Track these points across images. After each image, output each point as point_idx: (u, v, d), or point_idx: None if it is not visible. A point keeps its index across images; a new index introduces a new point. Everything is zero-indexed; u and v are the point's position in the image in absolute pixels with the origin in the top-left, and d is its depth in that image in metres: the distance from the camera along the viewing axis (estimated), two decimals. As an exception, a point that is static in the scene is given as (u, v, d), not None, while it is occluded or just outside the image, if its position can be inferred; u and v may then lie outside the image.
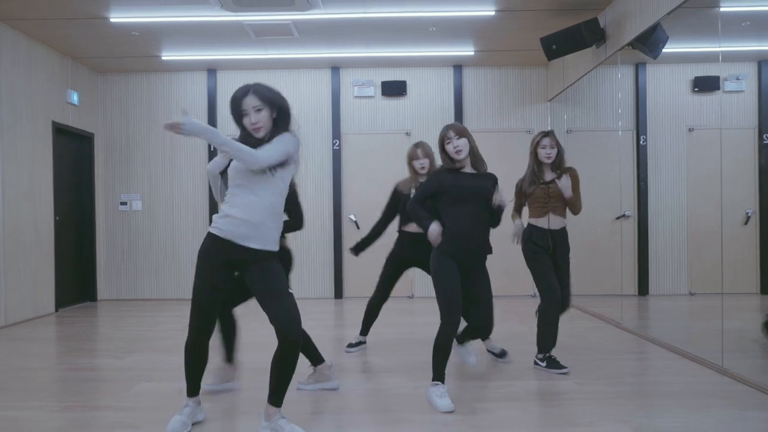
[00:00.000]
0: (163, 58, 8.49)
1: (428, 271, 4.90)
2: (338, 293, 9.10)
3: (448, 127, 4.08)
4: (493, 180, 4.18)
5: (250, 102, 3.16)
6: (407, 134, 9.09)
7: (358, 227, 8.90)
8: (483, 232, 4.09)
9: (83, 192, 8.95)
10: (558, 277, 4.78)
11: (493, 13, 6.90)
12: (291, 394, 3.82)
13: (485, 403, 3.99)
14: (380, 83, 9.12)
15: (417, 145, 5.23)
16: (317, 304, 8.33)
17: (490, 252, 4.14)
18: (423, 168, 5.18)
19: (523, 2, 6.66)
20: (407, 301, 8.70)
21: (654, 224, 7.18)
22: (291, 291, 3.24)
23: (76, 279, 8.82)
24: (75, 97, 8.52)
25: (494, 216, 4.13)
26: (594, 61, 7.18)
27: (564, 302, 4.81)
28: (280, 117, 3.24)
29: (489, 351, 5.20)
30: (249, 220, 3.15)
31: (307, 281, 9.08)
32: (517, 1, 6.62)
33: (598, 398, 4.01)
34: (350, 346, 5.61)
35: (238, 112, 3.20)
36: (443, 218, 4.02)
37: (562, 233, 4.87)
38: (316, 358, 4.32)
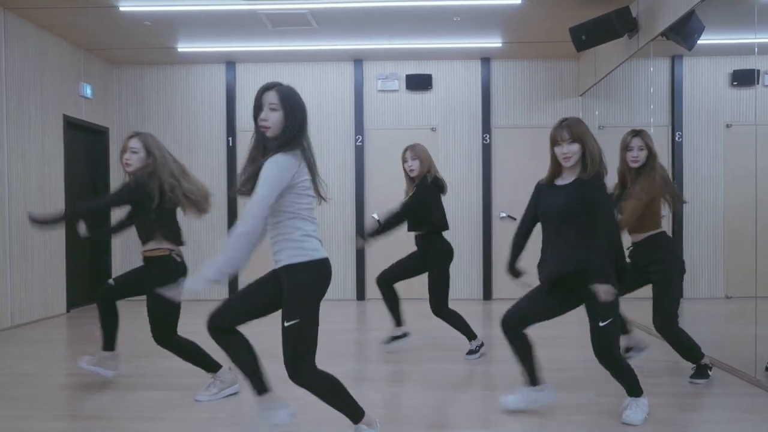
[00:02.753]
0: (179, 49, 8.48)
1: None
2: (360, 295, 9.02)
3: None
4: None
5: (269, 98, 3.04)
6: (432, 130, 8.98)
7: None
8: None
9: (97, 189, 8.96)
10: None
11: (519, 1, 6.77)
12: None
13: (502, 414, 3.86)
14: (405, 77, 9.04)
15: (407, 147, 5.30)
16: (338, 306, 8.27)
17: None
18: (412, 171, 5.24)
19: (550, -10, 6.53)
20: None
21: (689, 224, 7.06)
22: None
23: (89, 279, 8.83)
24: (88, 90, 8.54)
25: None
26: (626, 52, 7.02)
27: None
28: (289, 127, 3.05)
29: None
30: None
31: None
32: (544, -12, 6.50)
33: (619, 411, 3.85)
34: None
35: (258, 104, 3.08)
36: None
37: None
38: (212, 366, 4.25)
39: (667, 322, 4.43)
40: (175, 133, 9.14)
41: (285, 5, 6.83)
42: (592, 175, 3.57)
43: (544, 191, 3.78)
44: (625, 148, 4.61)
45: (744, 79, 6.65)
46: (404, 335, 5.52)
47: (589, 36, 6.73)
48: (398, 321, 5.50)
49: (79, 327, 7.09)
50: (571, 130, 3.60)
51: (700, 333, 6.21)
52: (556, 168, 3.72)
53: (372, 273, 8.92)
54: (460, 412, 3.98)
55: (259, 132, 3.06)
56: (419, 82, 8.98)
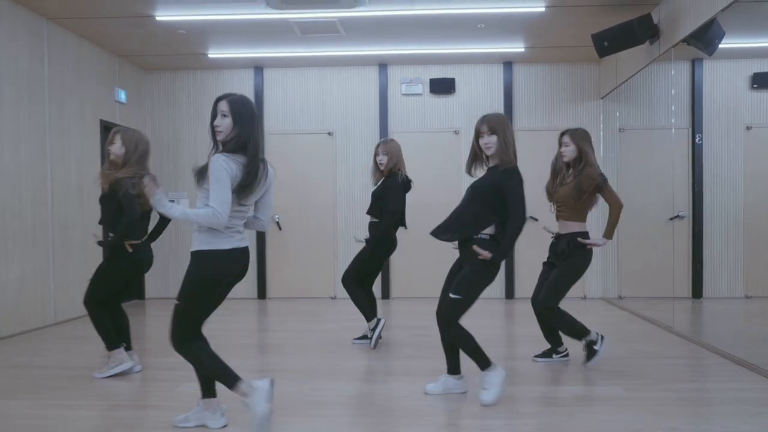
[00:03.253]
0: (210, 56, 8.76)
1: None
2: (385, 293, 9.27)
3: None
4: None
5: (221, 107, 3.47)
6: (456, 133, 9.20)
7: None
8: None
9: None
10: None
11: (543, 9, 6.98)
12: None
13: (530, 407, 4.10)
14: (429, 80, 9.27)
15: (381, 142, 5.93)
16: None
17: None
18: (381, 164, 5.82)
19: (573, -2, 6.73)
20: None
21: (709, 225, 7.21)
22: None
23: (123, 276, 9.11)
24: (123, 96, 8.85)
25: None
26: (647, 57, 7.19)
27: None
28: (238, 132, 3.43)
29: None
30: None
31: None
32: (567, -4, 6.70)
33: (647, 405, 4.07)
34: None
35: (214, 112, 3.51)
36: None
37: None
38: (111, 343, 4.89)
39: (551, 302, 4.87)
40: (205, 136, 9.39)
41: (316, 14, 7.07)
42: (506, 164, 4.13)
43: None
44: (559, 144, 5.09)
45: (764, 81, 6.79)
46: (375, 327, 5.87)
47: (611, 42, 6.91)
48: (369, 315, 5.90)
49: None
50: (489, 123, 4.15)
51: (721, 331, 6.42)
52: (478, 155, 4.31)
53: (396, 272, 9.18)
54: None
55: (214, 135, 3.49)
56: (443, 86, 9.20)
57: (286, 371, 5.04)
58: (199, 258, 3.42)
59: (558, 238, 5.02)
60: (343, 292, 7.70)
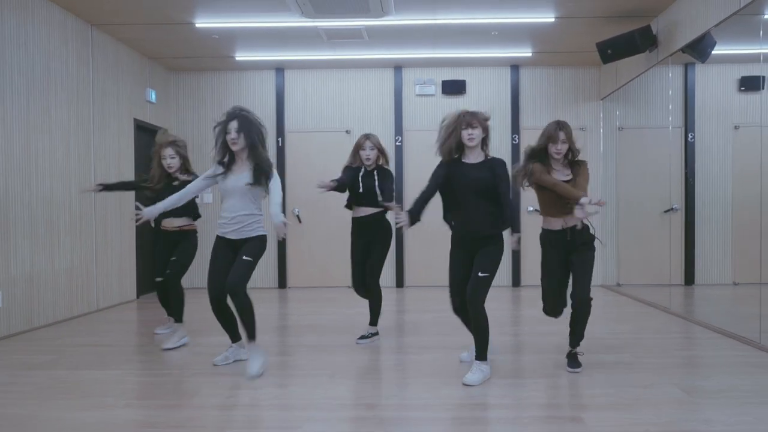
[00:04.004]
0: (237, 58, 9.42)
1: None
2: (399, 282, 9.97)
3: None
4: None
5: (233, 125, 4.69)
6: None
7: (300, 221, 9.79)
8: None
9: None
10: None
11: (552, 19, 7.69)
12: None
13: (550, 369, 4.84)
14: (441, 82, 9.96)
15: (366, 135, 5.85)
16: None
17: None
18: (369, 159, 5.76)
19: (580, 10, 7.42)
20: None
21: (701, 217, 7.73)
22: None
23: (153, 268, 9.67)
24: (153, 96, 9.49)
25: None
26: (646, 64, 7.88)
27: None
28: (249, 144, 4.78)
29: None
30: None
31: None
32: (575, 8, 7.39)
33: (653, 368, 4.81)
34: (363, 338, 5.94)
35: (225, 127, 4.74)
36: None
37: None
38: (182, 317, 5.93)
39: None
40: (228, 134, 10.03)
41: (343, 22, 7.74)
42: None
43: (453, 167, 4.66)
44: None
45: (751, 84, 7.32)
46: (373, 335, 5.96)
47: (614, 50, 7.60)
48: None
49: (153, 310, 7.95)
50: (476, 118, 4.53)
51: (712, 312, 7.09)
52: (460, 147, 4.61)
53: (410, 263, 9.86)
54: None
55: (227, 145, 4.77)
56: (454, 87, 9.90)
57: (339, 346, 5.78)
58: (263, 239, 4.87)
59: (570, 230, 4.70)
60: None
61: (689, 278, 7.85)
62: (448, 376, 4.61)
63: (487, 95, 9.96)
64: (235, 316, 4.83)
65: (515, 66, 9.90)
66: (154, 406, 4.03)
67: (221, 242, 4.86)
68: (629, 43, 7.44)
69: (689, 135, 7.81)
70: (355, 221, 5.93)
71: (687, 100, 7.79)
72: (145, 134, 9.43)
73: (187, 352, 5.59)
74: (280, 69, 10.03)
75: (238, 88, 10.14)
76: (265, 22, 7.83)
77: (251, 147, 4.69)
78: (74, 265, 7.44)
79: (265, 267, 9.86)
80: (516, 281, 9.91)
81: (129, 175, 8.72)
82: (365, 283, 5.86)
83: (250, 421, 3.82)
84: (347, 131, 9.88)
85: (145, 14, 7.54)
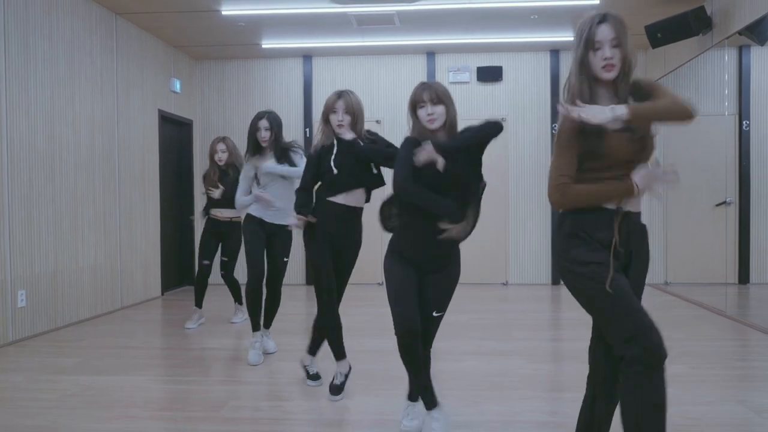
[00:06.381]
0: (263, 46, 9.29)
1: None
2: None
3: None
4: None
5: (263, 123, 5.32)
6: (503, 120, 9.59)
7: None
8: None
9: (183, 178, 9.85)
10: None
11: (597, 1, 7.44)
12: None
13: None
14: (476, 68, 9.74)
15: (339, 95, 4.30)
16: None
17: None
18: (341, 125, 4.27)
19: (628, -10, 7.18)
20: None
21: (756, 211, 7.49)
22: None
23: (177, 263, 9.74)
24: (178, 85, 9.41)
25: None
26: (699, 47, 7.61)
27: None
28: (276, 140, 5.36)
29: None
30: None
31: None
32: (622, -12, 7.14)
33: (713, 381, 4.57)
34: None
35: (256, 126, 5.31)
36: None
37: None
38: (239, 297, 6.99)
39: None
40: (256, 125, 9.95)
41: (375, 7, 7.58)
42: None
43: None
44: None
45: None
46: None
47: (664, 34, 7.34)
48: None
49: (180, 308, 7.93)
50: (436, 92, 3.39)
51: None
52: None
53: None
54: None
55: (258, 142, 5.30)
56: (490, 74, 9.67)
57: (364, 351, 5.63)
58: (290, 234, 5.35)
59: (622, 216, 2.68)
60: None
61: (744, 277, 7.63)
62: (489, 389, 4.45)
63: (524, 82, 9.74)
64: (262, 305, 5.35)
65: (555, 51, 9.65)
66: (180, 418, 3.92)
67: (255, 223, 5.30)
68: (682, 26, 7.19)
69: (744, 123, 7.57)
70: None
71: (741, 86, 7.56)
72: (169, 125, 9.37)
73: (211, 357, 5.52)
74: (307, 57, 9.89)
75: (264, 76, 10.03)
76: (292, 9, 7.69)
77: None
78: (98, 262, 7.39)
79: (293, 264, 9.73)
80: (556, 279, 9.68)
81: (153, 168, 8.69)
82: None
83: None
84: (377, 121, 9.71)
85: (170, 2, 7.46)
